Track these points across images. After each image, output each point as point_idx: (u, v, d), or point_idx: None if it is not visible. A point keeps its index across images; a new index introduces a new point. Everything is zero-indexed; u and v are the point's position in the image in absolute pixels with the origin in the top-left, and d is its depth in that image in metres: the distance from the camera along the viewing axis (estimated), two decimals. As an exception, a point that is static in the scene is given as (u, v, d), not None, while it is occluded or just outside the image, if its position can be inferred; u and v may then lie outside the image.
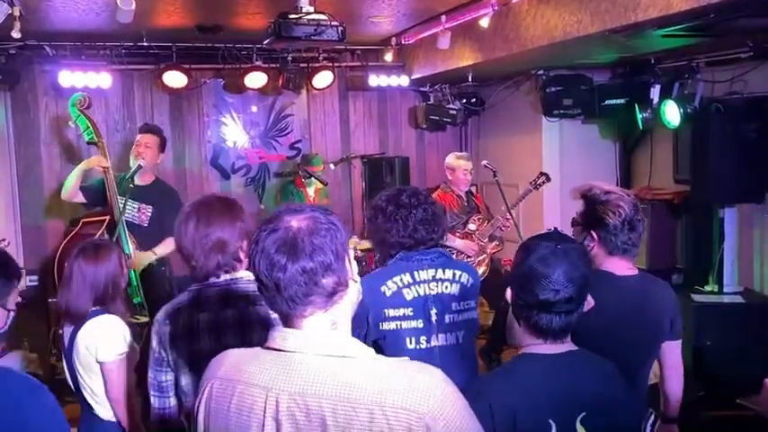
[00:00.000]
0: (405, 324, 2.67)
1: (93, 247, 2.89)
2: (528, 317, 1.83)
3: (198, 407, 1.48)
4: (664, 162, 5.56)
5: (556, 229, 1.99)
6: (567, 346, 1.87)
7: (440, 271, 2.73)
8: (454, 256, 5.29)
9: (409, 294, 2.69)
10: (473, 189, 5.45)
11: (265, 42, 3.40)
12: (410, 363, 1.41)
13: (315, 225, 1.38)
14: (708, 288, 4.82)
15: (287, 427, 1.32)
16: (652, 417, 2.56)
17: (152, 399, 2.23)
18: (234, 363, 1.45)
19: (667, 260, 5.27)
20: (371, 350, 1.42)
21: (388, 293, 2.67)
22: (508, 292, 1.90)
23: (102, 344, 2.72)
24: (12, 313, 1.95)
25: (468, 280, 2.77)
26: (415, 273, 2.70)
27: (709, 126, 4.59)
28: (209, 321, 2.17)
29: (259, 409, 1.35)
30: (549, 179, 5.43)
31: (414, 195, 2.79)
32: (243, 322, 2.17)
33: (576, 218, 2.60)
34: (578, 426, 1.78)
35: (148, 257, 4.34)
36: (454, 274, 2.75)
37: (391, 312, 2.66)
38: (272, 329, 1.44)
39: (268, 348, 1.42)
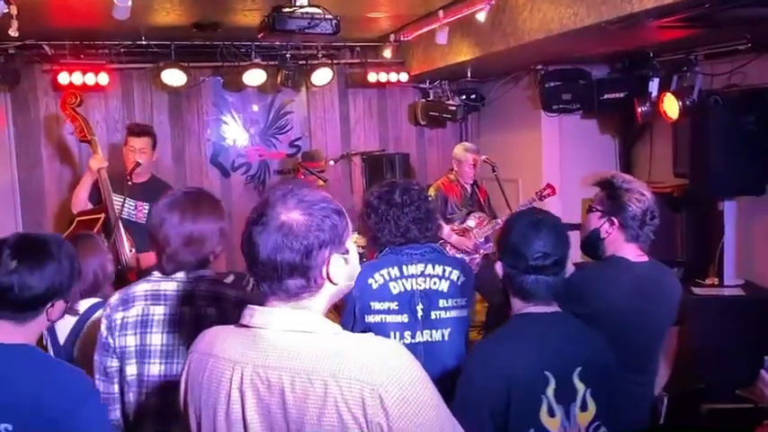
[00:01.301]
0: (389, 318, 2.64)
1: (73, 241, 2.88)
2: (521, 282, 1.99)
3: (180, 379, 1.55)
4: (663, 156, 5.55)
5: (533, 206, 2.25)
6: (555, 307, 2.02)
7: (429, 266, 2.69)
8: (448, 249, 5.30)
9: (395, 288, 2.65)
10: (494, 174, 5.42)
11: (260, 36, 3.40)
12: (369, 337, 1.43)
13: (299, 225, 1.38)
14: (708, 281, 4.81)
15: (250, 398, 1.38)
16: (665, 399, 2.61)
17: (97, 383, 2.19)
18: (210, 338, 1.52)
19: (667, 254, 5.23)
20: (337, 326, 1.45)
21: (375, 286, 2.64)
22: (498, 266, 2.05)
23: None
24: (67, 306, 1.98)
25: (458, 277, 2.72)
26: (404, 267, 2.67)
27: (707, 119, 4.58)
28: (165, 316, 2.15)
29: (226, 380, 1.41)
30: (554, 192, 5.40)
31: (406, 192, 2.75)
32: (198, 321, 2.11)
33: (593, 205, 2.60)
34: (576, 380, 1.90)
35: (152, 259, 4.33)
36: (444, 271, 2.70)
37: (377, 305, 2.63)
38: (245, 307, 1.48)
39: (240, 325, 1.47)
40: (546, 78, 5.82)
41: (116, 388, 2.21)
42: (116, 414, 2.22)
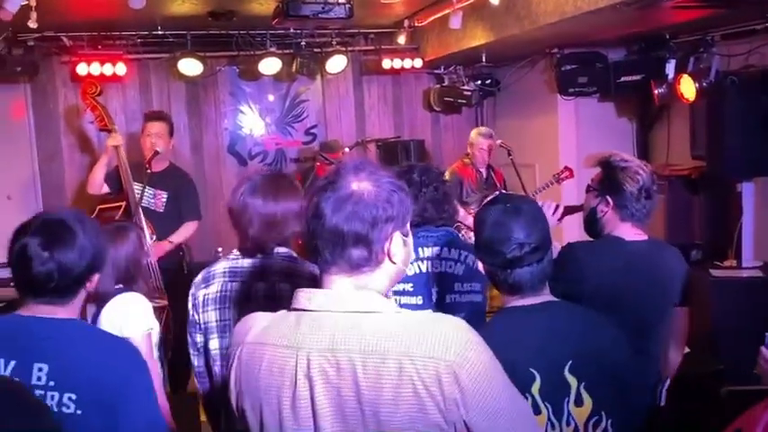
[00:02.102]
0: (404, 299, 2.64)
1: (112, 229, 2.93)
2: (503, 279, 1.86)
3: (229, 373, 1.50)
4: (681, 138, 5.51)
5: (501, 192, 2.07)
6: (544, 297, 1.89)
7: (445, 249, 2.69)
8: (463, 232, 5.31)
9: (411, 270, 2.63)
10: (510, 158, 5.42)
11: (274, 22, 3.42)
12: (433, 314, 1.46)
13: (369, 195, 1.37)
14: (726, 263, 4.79)
15: (320, 384, 1.35)
16: (668, 381, 2.59)
17: (192, 358, 2.35)
18: (261, 326, 1.47)
19: (685, 236, 5.22)
20: (395, 305, 1.44)
21: None
22: (479, 265, 1.93)
23: (126, 320, 2.72)
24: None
25: (474, 261, 2.63)
26: (420, 249, 2.67)
27: (725, 100, 4.54)
28: (240, 292, 2.24)
29: (290, 368, 1.37)
30: (572, 175, 5.39)
31: (425, 173, 2.77)
32: (272, 297, 2.20)
33: (590, 183, 2.63)
34: (567, 374, 1.78)
35: (165, 248, 4.40)
36: (460, 254, 2.69)
37: None
38: (296, 291, 1.46)
39: (294, 309, 1.44)
40: (562, 62, 5.79)
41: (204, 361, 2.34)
42: (205, 386, 2.38)
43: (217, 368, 2.28)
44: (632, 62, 5.69)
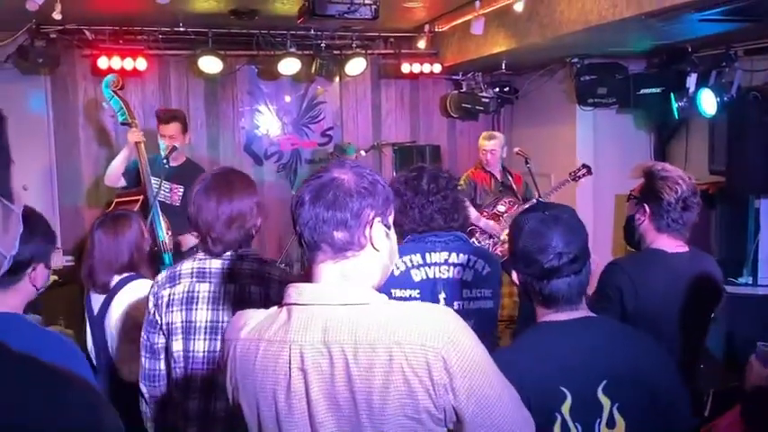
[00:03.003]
0: None
1: (111, 218, 2.94)
2: (539, 289, 1.80)
3: (224, 369, 1.53)
4: (699, 152, 5.48)
5: (538, 200, 2.05)
6: (582, 312, 1.82)
7: (453, 255, 2.59)
8: (477, 235, 5.30)
9: (417, 275, 2.57)
10: (526, 167, 5.41)
11: (299, 21, 3.43)
12: (421, 304, 1.51)
13: (349, 182, 1.43)
14: (742, 280, 4.76)
15: (314, 376, 1.38)
16: (711, 393, 2.56)
17: (143, 359, 2.26)
18: (254, 322, 1.50)
19: (701, 251, 5.19)
20: (384, 296, 1.47)
21: (396, 273, 2.52)
22: (514, 275, 1.87)
23: (141, 306, 2.74)
24: (50, 272, 1.99)
25: (483, 267, 2.62)
26: (427, 254, 2.58)
27: (746, 115, 4.52)
28: (210, 293, 2.19)
29: (284, 362, 1.41)
30: (590, 172, 5.37)
31: (433, 180, 2.65)
32: (242, 299, 2.17)
33: (632, 192, 2.62)
34: (600, 395, 1.72)
35: (192, 241, 4.42)
36: (469, 260, 2.60)
37: (397, 293, 2.53)
38: (287, 287, 1.49)
39: (286, 305, 1.47)
40: (581, 72, 5.77)
41: (162, 365, 2.27)
42: (162, 389, 2.29)
43: (179, 370, 2.21)
44: (653, 75, 5.68)
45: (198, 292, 2.20)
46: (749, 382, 1.92)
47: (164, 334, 2.23)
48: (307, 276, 1.49)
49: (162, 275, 2.26)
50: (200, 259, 2.24)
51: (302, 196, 1.44)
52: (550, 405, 1.70)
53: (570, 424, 1.71)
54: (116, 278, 2.86)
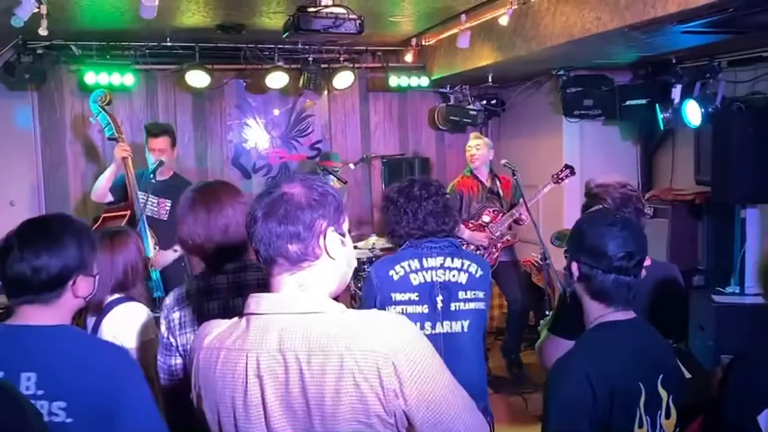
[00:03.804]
0: (410, 309, 2.73)
1: (108, 235, 2.91)
2: (601, 283, 1.90)
3: (191, 378, 1.57)
4: (685, 163, 5.52)
5: (604, 207, 2.15)
6: (632, 313, 1.94)
7: (448, 259, 2.79)
8: (464, 248, 5.31)
9: (416, 279, 2.75)
10: (513, 179, 5.40)
11: (285, 36, 3.44)
12: (374, 312, 1.54)
13: (300, 196, 1.47)
14: (729, 289, 4.78)
15: (269, 382, 1.43)
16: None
17: (163, 383, 2.24)
18: (216, 332, 1.55)
19: (688, 261, 5.22)
20: (341, 305, 1.51)
21: (396, 278, 2.74)
22: (574, 267, 1.95)
23: (129, 331, 2.69)
24: (97, 278, 1.96)
25: (477, 271, 2.81)
26: (424, 260, 2.77)
27: (730, 126, 4.56)
28: (220, 309, 2.16)
29: (241, 369, 1.45)
30: (573, 172, 5.37)
31: (424, 187, 2.86)
32: None
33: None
34: (660, 388, 1.85)
35: (169, 256, 4.40)
36: (463, 264, 2.80)
37: (397, 296, 2.73)
38: (248, 297, 1.53)
39: (245, 314, 1.52)
40: (567, 84, 5.81)
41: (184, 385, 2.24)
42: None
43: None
44: (638, 86, 5.73)
45: (208, 310, 2.17)
46: (713, 393, 1.99)
47: (181, 356, 2.19)
48: (266, 288, 1.53)
49: (170, 298, 2.23)
50: (204, 277, 2.22)
51: (255, 213, 1.47)
52: (633, 401, 1.82)
53: (644, 418, 1.83)
54: (108, 298, 2.82)
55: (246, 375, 1.44)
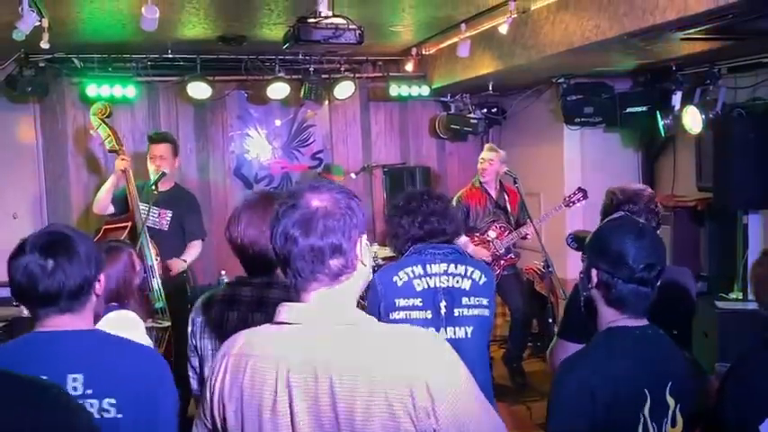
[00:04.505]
0: (414, 314, 2.75)
1: (104, 249, 2.91)
2: (620, 291, 1.90)
3: (212, 383, 1.54)
4: (687, 169, 5.52)
5: (625, 214, 2.22)
6: (645, 321, 1.95)
7: (452, 266, 2.80)
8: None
9: (419, 285, 2.76)
10: (515, 187, 5.39)
11: (285, 47, 3.46)
12: (406, 327, 1.52)
13: (332, 207, 1.46)
14: (732, 296, 4.77)
15: (298, 394, 1.40)
16: None
17: (191, 381, 2.32)
18: (246, 340, 1.54)
19: (691, 268, 5.17)
20: (372, 318, 1.50)
21: (400, 283, 2.77)
22: (593, 273, 1.95)
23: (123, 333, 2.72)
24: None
25: (480, 277, 2.82)
26: (428, 266, 2.79)
27: (731, 132, 4.57)
28: (238, 321, 2.19)
29: (271, 378, 1.43)
30: (586, 196, 5.27)
31: (426, 192, 2.95)
32: None
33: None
34: (668, 396, 1.85)
35: (181, 266, 4.42)
36: (466, 270, 2.81)
37: (401, 302, 2.75)
38: (280, 305, 1.52)
39: (276, 323, 1.51)
40: (568, 92, 5.82)
41: None
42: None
43: None
44: (638, 93, 5.73)
45: (227, 319, 2.21)
46: (710, 402, 1.99)
47: (198, 357, 2.27)
48: (297, 296, 1.51)
49: (199, 301, 2.31)
50: (233, 285, 2.28)
51: (289, 232, 1.44)
52: (636, 407, 1.82)
53: (649, 424, 1.83)
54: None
55: (276, 385, 1.42)
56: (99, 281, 1.93)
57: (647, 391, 1.82)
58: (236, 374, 1.49)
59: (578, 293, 2.72)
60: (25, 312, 5.36)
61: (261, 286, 2.22)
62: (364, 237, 1.51)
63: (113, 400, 1.78)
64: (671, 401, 1.85)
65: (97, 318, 2.76)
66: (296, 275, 1.46)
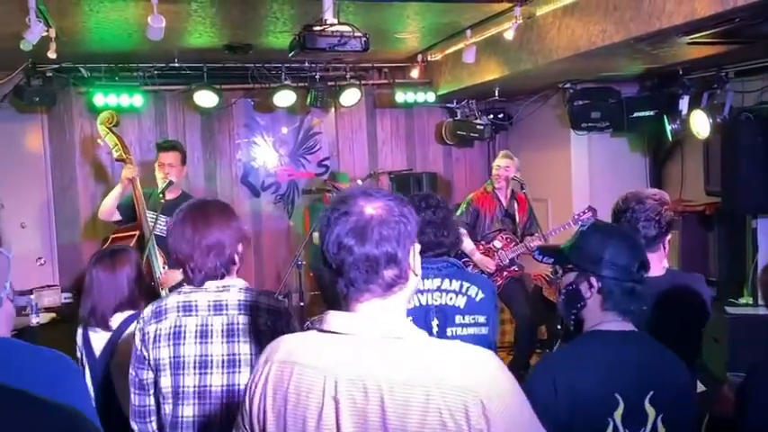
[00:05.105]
0: None
1: (108, 254, 2.93)
2: (620, 295, 1.92)
3: (253, 389, 1.48)
4: (695, 174, 5.50)
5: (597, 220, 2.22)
6: (630, 326, 1.95)
7: (446, 281, 2.63)
8: (470, 269, 5.28)
9: (410, 303, 2.59)
10: (524, 193, 5.36)
11: (291, 55, 3.46)
12: (461, 344, 1.46)
13: (387, 215, 1.40)
14: (742, 300, 4.74)
15: (345, 407, 1.35)
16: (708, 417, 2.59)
17: (132, 396, 2.24)
18: (290, 347, 1.48)
19: (700, 272, 5.16)
20: (423, 332, 1.45)
21: None
22: (593, 280, 1.96)
23: None
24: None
25: (477, 293, 2.64)
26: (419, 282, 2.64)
27: (739, 136, 4.54)
28: (197, 327, 2.17)
29: (318, 389, 1.38)
30: (595, 215, 5.23)
31: (424, 200, 2.74)
32: (231, 331, 2.17)
33: None
34: (647, 405, 1.82)
35: (178, 276, 4.40)
36: (461, 286, 2.63)
37: None
38: (325, 313, 1.47)
39: (323, 331, 1.45)
40: (574, 97, 5.81)
41: (152, 400, 2.23)
42: (153, 426, 2.26)
43: (168, 407, 2.18)
44: (645, 98, 5.72)
45: (185, 326, 2.17)
46: (721, 411, 1.98)
47: (152, 369, 2.19)
48: (345, 305, 1.46)
49: (148, 310, 2.24)
50: (186, 293, 2.22)
51: (343, 241, 1.39)
52: (604, 410, 1.81)
53: (621, 430, 1.81)
54: (118, 316, 2.83)
55: (323, 397, 1.37)
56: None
57: (618, 396, 1.80)
58: (280, 382, 1.43)
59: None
60: (34, 321, 5.38)
61: (217, 290, 2.20)
62: (417, 245, 1.47)
63: None
64: (650, 410, 1.83)
65: (104, 321, 2.77)
66: (348, 285, 1.41)
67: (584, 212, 5.28)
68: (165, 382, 2.17)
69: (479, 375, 1.34)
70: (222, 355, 2.17)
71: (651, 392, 1.83)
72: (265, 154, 6.91)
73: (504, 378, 1.38)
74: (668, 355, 1.94)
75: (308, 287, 6.02)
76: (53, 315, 5.47)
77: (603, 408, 1.81)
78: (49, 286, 5.89)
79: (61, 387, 1.76)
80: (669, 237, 2.64)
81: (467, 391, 1.31)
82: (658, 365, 1.90)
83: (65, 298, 5.84)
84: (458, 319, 2.61)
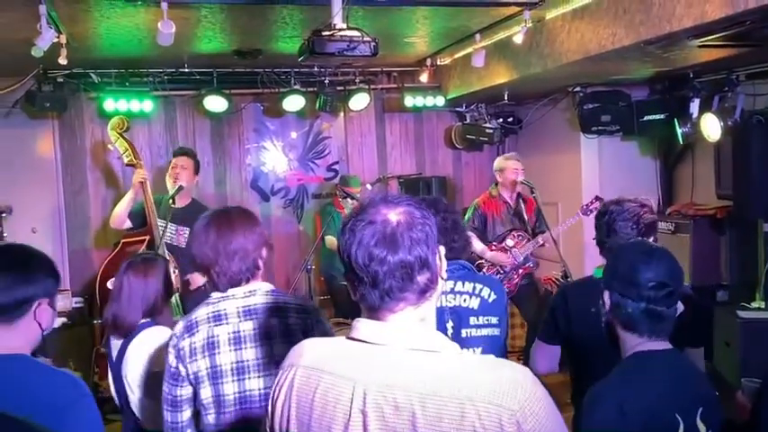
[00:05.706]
0: None
1: (141, 260, 2.93)
2: (629, 312, 1.89)
3: (276, 394, 1.46)
4: (706, 177, 5.47)
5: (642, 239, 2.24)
6: (668, 344, 1.92)
7: (459, 283, 2.63)
8: (485, 270, 5.28)
9: None
10: (532, 196, 5.34)
11: (300, 59, 3.47)
12: (495, 359, 1.40)
13: (411, 219, 1.37)
14: (755, 305, 4.70)
15: (374, 420, 1.32)
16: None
17: (164, 413, 2.24)
18: (318, 352, 1.45)
19: (712, 277, 5.15)
20: (456, 345, 1.41)
21: None
22: (606, 296, 1.95)
23: (154, 354, 2.71)
24: (55, 313, 1.96)
25: (489, 295, 2.65)
26: None
27: (750, 139, 4.52)
28: (229, 334, 2.19)
29: (346, 400, 1.34)
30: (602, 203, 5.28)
31: (432, 205, 2.67)
32: (264, 335, 2.19)
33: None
34: (698, 422, 1.81)
35: (200, 280, 4.44)
36: (474, 288, 2.64)
37: None
38: (355, 321, 1.43)
39: (353, 339, 1.42)
40: (584, 100, 5.79)
41: (184, 416, 2.23)
42: None
43: (211, 417, 2.19)
44: (655, 101, 5.69)
45: (217, 336, 2.18)
46: (740, 417, 1.96)
47: (191, 384, 2.19)
48: (375, 315, 1.41)
49: (179, 326, 2.24)
50: (214, 303, 2.23)
51: (373, 252, 1.34)
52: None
53: None
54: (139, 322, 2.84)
55: (351, 408, 1.33)
56: (40, 304, 1.87)
57: (678, 417, 1.78)
58: (306, 390, 1.40)
59: (559, 297, 2.78)
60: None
61: (244, 296, 2.22)
62: (442, 248, 1.43)
63: None
64: (702, 427, 1.81)
65: (130, 330, 2.79)
66: (384, 296, 1.35)
67: (591, 202, 5.32)
68: (206, 392, 2.18)
69: (516, 393, 1.29)
70: (258, 359, 2.19)
71: (701, 409, 1.82)
72: (275, 158, 6.93)
73: (541, 397, 1.33)
74: (698, 370, 1.95)
75: (317, 291, 6.02)
76: (64, 320, 5.49)
77: (669, 429, 1.78)
78: (59, 291, 5.90)
79: (71, 415, 1.76)
80: (651, 239, 2.60)
81: (502, 408, 1.27)
82: (698, 381, 1.90)
83: (75, 302, 5.86)
84: (472, 320, 2.62)
